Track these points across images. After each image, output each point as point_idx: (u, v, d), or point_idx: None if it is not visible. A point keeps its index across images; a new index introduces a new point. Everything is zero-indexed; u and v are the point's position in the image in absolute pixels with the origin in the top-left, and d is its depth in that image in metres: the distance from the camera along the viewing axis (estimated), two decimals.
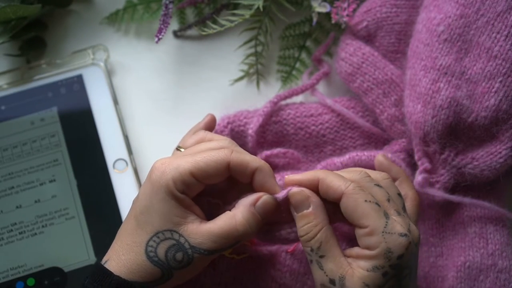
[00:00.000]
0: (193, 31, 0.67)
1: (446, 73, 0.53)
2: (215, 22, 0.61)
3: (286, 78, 0.65)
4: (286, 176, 0.46)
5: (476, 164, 0.53)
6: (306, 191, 0.45)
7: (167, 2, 0.61)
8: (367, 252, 0.42)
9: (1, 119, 0.61)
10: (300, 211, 0.44)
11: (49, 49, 0.66)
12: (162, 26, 0.61)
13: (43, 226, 0.57)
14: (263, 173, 0.45)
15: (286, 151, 0.57)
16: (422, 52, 0.55)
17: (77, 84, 0.63)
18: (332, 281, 0.42)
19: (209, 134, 0.50)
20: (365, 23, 0.60)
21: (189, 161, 0.45)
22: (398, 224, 0.42)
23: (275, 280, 0.51)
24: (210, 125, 0.53)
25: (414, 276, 0.44)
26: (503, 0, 0.53)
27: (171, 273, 0.44)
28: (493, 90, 0.52)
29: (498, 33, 0.52)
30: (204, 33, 0.60)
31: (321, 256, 0.43)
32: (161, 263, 0.44)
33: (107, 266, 0.45)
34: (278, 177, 0.55)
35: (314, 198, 0.44)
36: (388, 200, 0.44)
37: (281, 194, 0.45)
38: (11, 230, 0.57)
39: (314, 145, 0.59)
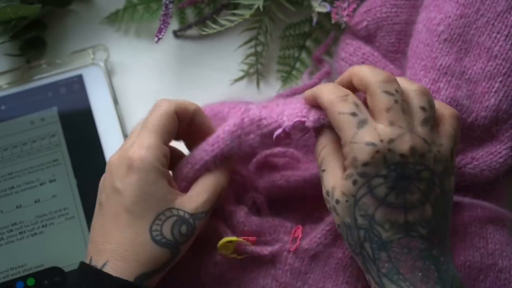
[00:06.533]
0: (193, 31, 0.67)
1: (446, 73, 0.53)
2: (215, 22, 0.61)
3: (286, 78, 0.65)
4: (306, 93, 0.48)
5: (476, 164, 0.53)
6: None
7: (167, 2, 0.61)
8: (343, 162, 0.44)
9: (1, 119, 0.61)
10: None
11: (49, 49, 0.66)
12: (162, 26, 0.61)
13: (43, 226, 0.57)
14: (201, 114, 0.50)
15: (286, 151, 0.57)
16: (422, 52, 0.55)
17: (77, 84, 0.63)
18: (327, 192, 0.45)
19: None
20: (365, 23, 0.60)
21: (151, 135, 0.46)
22: (369, 134, 0.42)
23: (276, 278, 0.51)
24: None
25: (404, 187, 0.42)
26: (503, 0, 0.53)
27: (178, 250, 0.45)
28: (493, 90, 0.52)
29: (498, 33, 0.52)
30: (204, 33, 0.60)
31: (323, 170, 0.45)
32: (170, 242, 0.45)
33: (108, 268, 0.43)
34: (278, 176, 0.55)
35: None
36: (388, 110, 0.43)
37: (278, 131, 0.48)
38: (11, 230, 0.57)
39: (314, 144, 0.59)
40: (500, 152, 0.53)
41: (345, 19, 0.61)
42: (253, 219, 0.52)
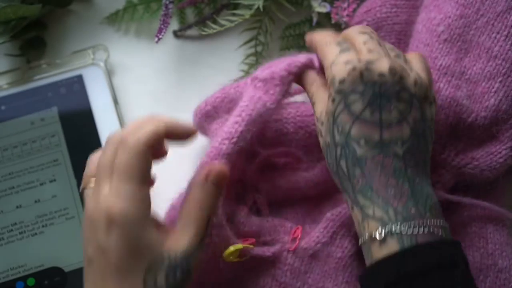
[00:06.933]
0: (193, 31, 0.67)
1: (446, 73, 0.53)
2: (215, 22, 0.61)
3: None
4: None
5: (476, 164, 0.53)
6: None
7: (167, 2, 0.61)
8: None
9: (1, 119, 0.61)
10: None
11: (49, 49, 0.66)
12: (162, 26, 0.61)
13: (43, 226, 0.57)
14: (173, 126, 0.43)
15: (287, 151, 0.57)
16: (422, 52, 0.55)
17: (77, 84, 0.63)
18: (317, 119, 0.47)
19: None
20: (365, 23, 0.60)
21: (125, 181, 0.41)
22: (349, 56, 0.44)
23: (276, 278, 0.51)
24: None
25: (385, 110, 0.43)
26: (503, 0, 0.53)
27: None
28: (493, 90, 0.52)
29: (498, 33, 0.53)
30: (204, 33, 0.60)
31: (314, 103, 0.48)
32: None
33: None
34: (278, 176, 0.55)
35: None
36: (365, 43, 0.45)
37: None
38: (11, 230, 0.57)
39: (315, 144, 0.59)
40: (500, 152, 0.53)
41: (345, 19, 0.61)
42: (253, 219, 0.52)
